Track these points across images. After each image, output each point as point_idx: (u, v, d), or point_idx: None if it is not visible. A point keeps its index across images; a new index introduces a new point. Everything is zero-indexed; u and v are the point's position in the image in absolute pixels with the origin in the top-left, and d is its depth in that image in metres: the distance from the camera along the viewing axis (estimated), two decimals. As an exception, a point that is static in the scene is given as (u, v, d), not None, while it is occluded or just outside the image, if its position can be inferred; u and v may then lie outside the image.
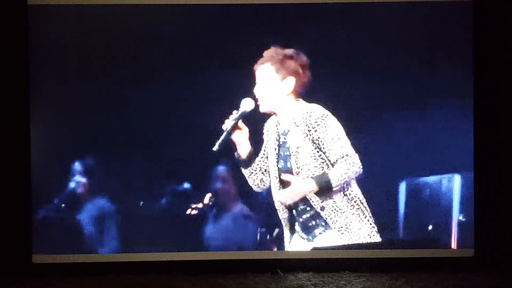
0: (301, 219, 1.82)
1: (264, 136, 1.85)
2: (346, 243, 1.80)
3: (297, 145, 1.81)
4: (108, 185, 1.83)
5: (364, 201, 1.81)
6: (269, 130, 1.85)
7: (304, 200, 1.81)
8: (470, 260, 1.83)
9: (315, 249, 1.82)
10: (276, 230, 1.84)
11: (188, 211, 1.83)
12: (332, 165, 1.79)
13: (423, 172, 1.83)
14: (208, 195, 1.83)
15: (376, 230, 1.81)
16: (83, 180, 1.83)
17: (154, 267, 1.82)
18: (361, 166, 1.80)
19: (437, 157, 1.83)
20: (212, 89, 1.82)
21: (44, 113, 1.83)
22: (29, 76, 1.81)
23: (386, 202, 1.83)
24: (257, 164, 1.85)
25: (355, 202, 1.81)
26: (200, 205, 1.83)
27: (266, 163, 1.85)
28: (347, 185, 1.80)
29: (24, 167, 1.82)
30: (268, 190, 1.85)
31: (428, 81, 1.84)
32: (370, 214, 1.81)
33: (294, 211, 1.83)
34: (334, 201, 1.80)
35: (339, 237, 1.80)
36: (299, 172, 1.81)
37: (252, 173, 1.85)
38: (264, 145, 1.85)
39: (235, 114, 1.81)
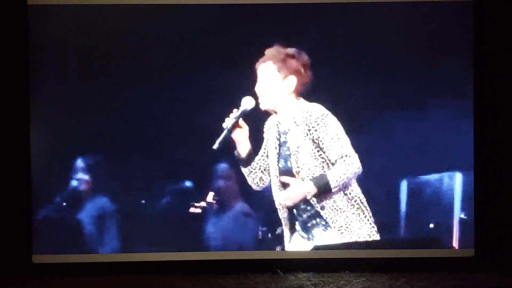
0: (301, 218, 1.82)
1: (265, 135, 1.86)
2: (346, 242, 1.80)
3: (297, 145, 1.81)
4: (108, 185, 1.83)
5: (364, 200, 1.81)
6: (270, 129, 1.85)
7: (304, 200, 1.81)
8: (470, 260, 1.83)
9: (315, 247, 1.82)
10: (279, 228, 1.84)
11: (192, 210, 1.83)
12: (333, 164, 1.79)
13: (423, 172, 1.83)
14: (211, 194, 1.83)
15: (376, 230, 1.81)
16: (83, 179, 1.83)
17: (154, 267, 1.82)
18: (360, 167, 1.80)
19: (437, 157, 1.83)
20: (213, 89, 1.82)
21: (44, 112, 1.83)
22: (29, 76, 1.81)
23: (386, 202, 1.83)
24: (257, 163, 1.85)
25: (355, 201, 1.81)
26: (203, 204, 1.83)
27: (265, 162, 1.85)
28: (347, 184, 1.80)
29: (24, 167, 1.82)
30: (269, 189, 1.85)
31: (428, 81, 1.84)
32: (370, 214, 1.81)
33: (294, 210, 1.83)
34: (334, 201, 1.80)
35: (339, 236, 1.80)
36: (299, 171, 1.81)
37: (252, 171, 1.85)
38: (264, 144, 1.86)
39: (235, 112, 1.81)
